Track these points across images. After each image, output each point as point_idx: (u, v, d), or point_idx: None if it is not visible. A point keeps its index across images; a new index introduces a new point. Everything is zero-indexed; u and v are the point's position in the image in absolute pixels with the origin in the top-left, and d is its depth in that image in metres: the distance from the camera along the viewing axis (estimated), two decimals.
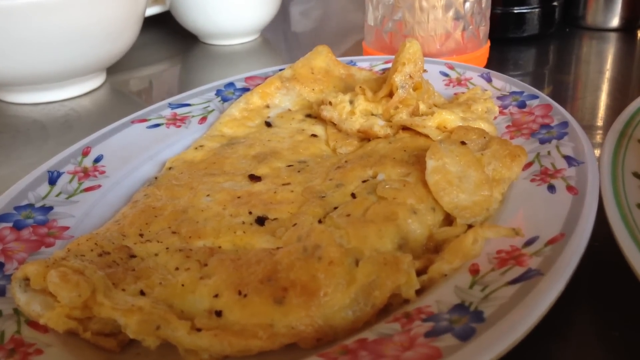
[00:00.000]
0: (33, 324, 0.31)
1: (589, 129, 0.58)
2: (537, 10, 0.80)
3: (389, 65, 0.59)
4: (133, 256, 0.35)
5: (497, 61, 0.74)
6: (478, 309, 0.28)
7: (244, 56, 0.87)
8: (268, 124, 0.52)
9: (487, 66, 0.69)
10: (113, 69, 0.79)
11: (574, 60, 0.78)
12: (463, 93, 0.53)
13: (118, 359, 0.31)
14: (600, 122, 0.61)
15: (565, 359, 0.32)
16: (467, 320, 0.28)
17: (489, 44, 0.70)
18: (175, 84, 0.81)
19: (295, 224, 0.36)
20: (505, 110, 0.50)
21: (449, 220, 0.38)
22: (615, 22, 0.84)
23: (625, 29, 0.85)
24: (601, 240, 0.35)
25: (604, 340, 0.33)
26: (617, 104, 0.64)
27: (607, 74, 0.72)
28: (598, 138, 0.57)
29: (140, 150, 0.49)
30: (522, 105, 0.49)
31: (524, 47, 0.81)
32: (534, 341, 0.27)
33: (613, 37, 0.84)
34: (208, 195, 0.41)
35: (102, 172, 0.46)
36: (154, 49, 0.93)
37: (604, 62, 0.76)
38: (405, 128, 0.47)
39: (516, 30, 0.80)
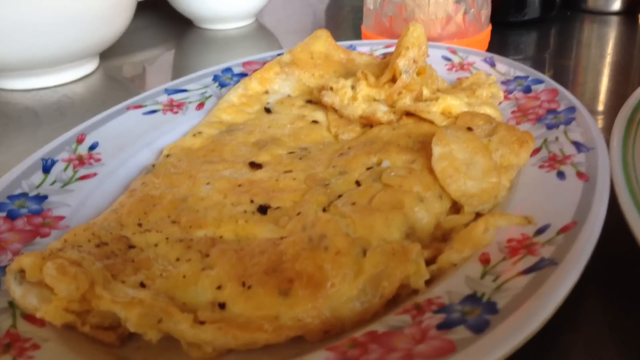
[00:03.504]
0: (29, 318, 0.30)
1: (591, 113, 0.57)
2: None
3: (390, 49, 0.58)
4: (132, 247, 0.34)
5: (498, 45, 0.73)
6: (491, 300, 0.27)
7: (240, 41, 0.85)
8: (267, 110, 0.51)
9: (488, 50, 0.68)
10: (106, 54, 0.77)
11: (575, 44, 0.77)
12: (466, 78, 0.52)
13: (118, 353, 0.30)
14: (601, 107, 0.60)
15: (577, 350, 0.31)
16: (480, 312, 0.27)
17: (490, 27, 0.69)
18: (169, 70, 0.79)
19: (299, 213, 0.35)
20: (510, 96, 0.49)
21: (456, 208, 0.37)
22: (616, 5, 0.83)
23: (627, 12, 0.84)
24: (613, 227, 0.34)
25: (617, 331, 0.32)
26: (619, 89, 0.64)
27: (609, 58, 0.71)
28: (600, 123, 0.56)
29: (136, 137, 0.48)
30: (527, 90, 0.48)
31: (524, 31, 0.79)
32: (544, 332, 0.27)
33: (615, 21, 0.82)
34: (208, 183, 0.40)
35: (98, 160, 0.45)
36: (148, 33, 0.91)
37: (605, 46, 0.75)
38: (409, 114, 0.45)
39: (517, 13, 0.79)
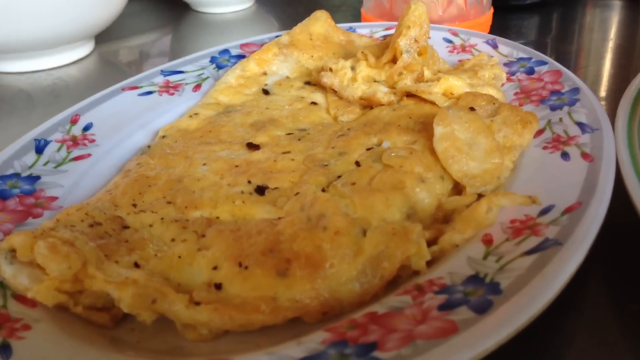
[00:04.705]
0: (20, 298, 0.29)
1: None
2: None
3: (390, 32, 0.57)
4: (126, 227, 0.33)
5: (500, 29, 0.72)
6: (494, 281, 0.27)
7: (238, 25, 0.84)
8: (266, 92, 0.50)
9: (490, 34, 0.67)
10: (102, 38, 0.76)
11: (578, 29, 0.76)
12: (468, 59, 0.51)
13: (111, 334, 0.29)
14: (604, 92, 0.59)
15: (580, 332, 0.30)
16: (483, 293, 0.26)
17: (492, 10, 0.68)
18: (166, 54, 0.78)
19: (297, 193, 0.34)
20: (512, 77, 0.48)
21: (458, 189, 0.36)
22: None
23: None
24: (618, 207, 0.33)
25: (620, 314, 0.31)
26: (621, 73, 0.63)
27: (611, 43, 0.70)
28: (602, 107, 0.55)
29: (131, 119, 0.47)
30: (530, 72, 0.47)
31: (526, 15, 0.78)
32: (547, 313, 0.26)
33: (617, 5, 0.81)
34: (204, 164, 0.39)
35: (92, 141, 0.44)
36: (144, 17, 0.90)
37: (608, 31, 0.74)
38: (409, 95, 0.45)
39: None
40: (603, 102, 0.56)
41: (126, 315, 0.29)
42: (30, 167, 0.40)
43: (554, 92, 0.43)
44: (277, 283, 0.28)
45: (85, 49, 0.72)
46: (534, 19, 0.78)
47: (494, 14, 0.69)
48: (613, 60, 0.66)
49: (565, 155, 0.36)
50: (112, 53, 0.76)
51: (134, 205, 0.35)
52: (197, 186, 0.37)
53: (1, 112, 0.59)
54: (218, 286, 0.29)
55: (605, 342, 0.30)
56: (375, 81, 0.46)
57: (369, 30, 0.59)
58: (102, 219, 0.33)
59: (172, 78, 0.53)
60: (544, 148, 0.37)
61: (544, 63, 0.48)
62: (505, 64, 0.50)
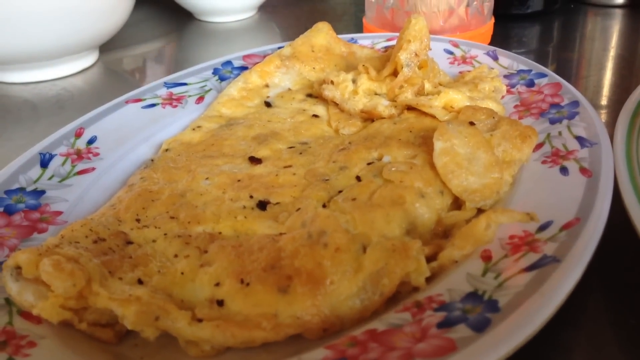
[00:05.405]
0: (26, 315, 0.30)
1: (594, 108, 0.57)
2: None
3: (392, 43, 0.58)
4: (130, 242, 0.34)
5: (500, 38, 0.73)
6: (492, 298, 0.27)
7: (241, 34, 0.85)
8: (268, 104, 0.50)
9: (491, 43, 0.67)
10: (106, 47, 0.77)
11: (579, 38, 0.76)
12: (468, 71, 0.51)
13: (115, 350, 0.30)
14: (605, 101, 0.59)
15: (579, 347, 0.31)
16: (482, 310, 0.26)
17: (493, 20, 0.68)
18: (170, 63, 0.79)
19: (298, 209, 0.35)
20: (512, 89, 0.48)
21: (457, 204, 0.36)
22: None
23: (631, 5, 0.83)
24: (616, 223, 0.33)
25: (619, 329, 0.31)
26: (623, 82, 0.63)
27: (612, 52, 0.70)
28: (603, 117, 0.56)
29: (135, 131, 0.47)
30: (530, 84, 0.48)
31: (527, 24, 0.79)
32: (545, 328, 0.26)
33: (618, 14, 0.82)
34: (207, 178, 0.39)
35: (96, 154, 0.44)
36: (147, 26, 0.90)
37: (609, 40, 0.75)
38: (410, 108, 0.45)
39: (520, 6, 0.78)
40: (604, 112, 0.57)
41: (130, 332, 0.30)
42: (35, 182, 0.40)
43: (553, 105, 0.44)
44: (278, 299, 0.29)
45: (90, 59, 0.73)
46: (535, 27, 0.78)
47: (495, 23, 0.69)
48: (614, 69, 0.66)
49: (564, 170, 0.36)
50: (116, 62, 0.77)
51: (138, 221, 0.36)
52: (200, 201, 0.37)
53: (6, 123, 0.60)
54: (220, 303, 0.29)
55: (603, 357, 0.30)
56: (376, 94, 0.47)
57: (370, 41, 0.59)
58: (106, 235, 0.34)
59: (176, 90, 0.53)
60: (543, 162, 0.38)
61: (544, 75, 0.48)
62: (505, 76, 0.50)
